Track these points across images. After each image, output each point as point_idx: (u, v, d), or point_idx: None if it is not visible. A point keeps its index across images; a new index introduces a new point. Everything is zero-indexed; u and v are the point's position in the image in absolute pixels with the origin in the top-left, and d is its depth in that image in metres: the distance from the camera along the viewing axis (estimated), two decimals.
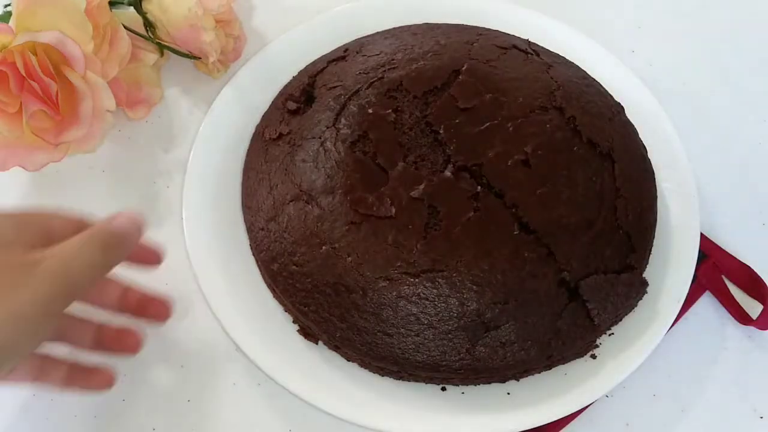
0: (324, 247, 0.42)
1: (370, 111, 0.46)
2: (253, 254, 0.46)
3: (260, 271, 0.46)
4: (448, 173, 0.44)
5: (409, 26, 0.53)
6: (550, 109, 0.46)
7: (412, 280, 0.41)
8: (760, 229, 0.53)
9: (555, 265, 0.42)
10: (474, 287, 0.41)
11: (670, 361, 0.47)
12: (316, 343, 0.44)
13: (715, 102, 0.59)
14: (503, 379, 0.43)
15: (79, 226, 0.38)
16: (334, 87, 0.48)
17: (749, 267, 0.49)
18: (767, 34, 0.62)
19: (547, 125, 0.45)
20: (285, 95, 0.50)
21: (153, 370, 0.47)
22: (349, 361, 0.44)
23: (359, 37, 0.53)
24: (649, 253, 0.46)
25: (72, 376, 0.42)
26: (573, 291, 0.42)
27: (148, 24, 0.55)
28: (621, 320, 0.44)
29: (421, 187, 0.43)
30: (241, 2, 0.60)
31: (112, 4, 0.52)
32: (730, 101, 0.59)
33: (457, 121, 0.45)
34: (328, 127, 0.46)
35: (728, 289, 0.49)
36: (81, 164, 0.53)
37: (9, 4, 0.54)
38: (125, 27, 0.52)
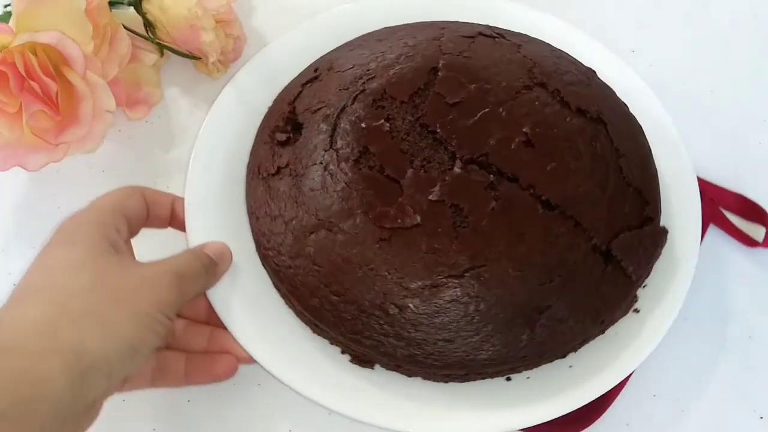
0: (360, 271, 0.41)
1: (363, 125, 0.45)
2: (284, 295, 0.44)
3: (293, 308, 0.44)
4: (457, 169, 0.44)
5: (371, 33, 0.53)
6: (534, 87, 0.47)
7: (457, 281, 0.41)
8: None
9: (584, 234, 0.43)
10: (518, 273, 0.41)
11: (670, 361, 0.47)
12: (372, 368, 0.43)
13: (715, 102, 0.58)
14: (564, 354, 0.44)
15: (143, 202, 0.42)
16: (319, 109, 0.47)
17: (743, 196, 0.51)
18: (767, 33, 0.62)
19: (536, 102, 0.46)
20: (270, 128, 0.48)
21: None
22: (410, 377, 0.43)
23: (326, 52, 0.52)
24: (660, 202, 0.47)
25: (191, 368, 0.42)
26: (606, 254, 0.43)
27: (148, 24, 0.55)
28: (652, 270, 0.46)
29: (437, 188, 0.43)
30: (241, 2, 0.59)
31: (112, 4, 0.52)
32: (730, 101, 0.58)
33: (450, 117, 0.45)
34: (326, 150, 0.45)
35: (728, 218, 0.51)
36: (81, 164, 0.53)
37: (9, 4, 0.54)
38: (125, 27, 0.52)
